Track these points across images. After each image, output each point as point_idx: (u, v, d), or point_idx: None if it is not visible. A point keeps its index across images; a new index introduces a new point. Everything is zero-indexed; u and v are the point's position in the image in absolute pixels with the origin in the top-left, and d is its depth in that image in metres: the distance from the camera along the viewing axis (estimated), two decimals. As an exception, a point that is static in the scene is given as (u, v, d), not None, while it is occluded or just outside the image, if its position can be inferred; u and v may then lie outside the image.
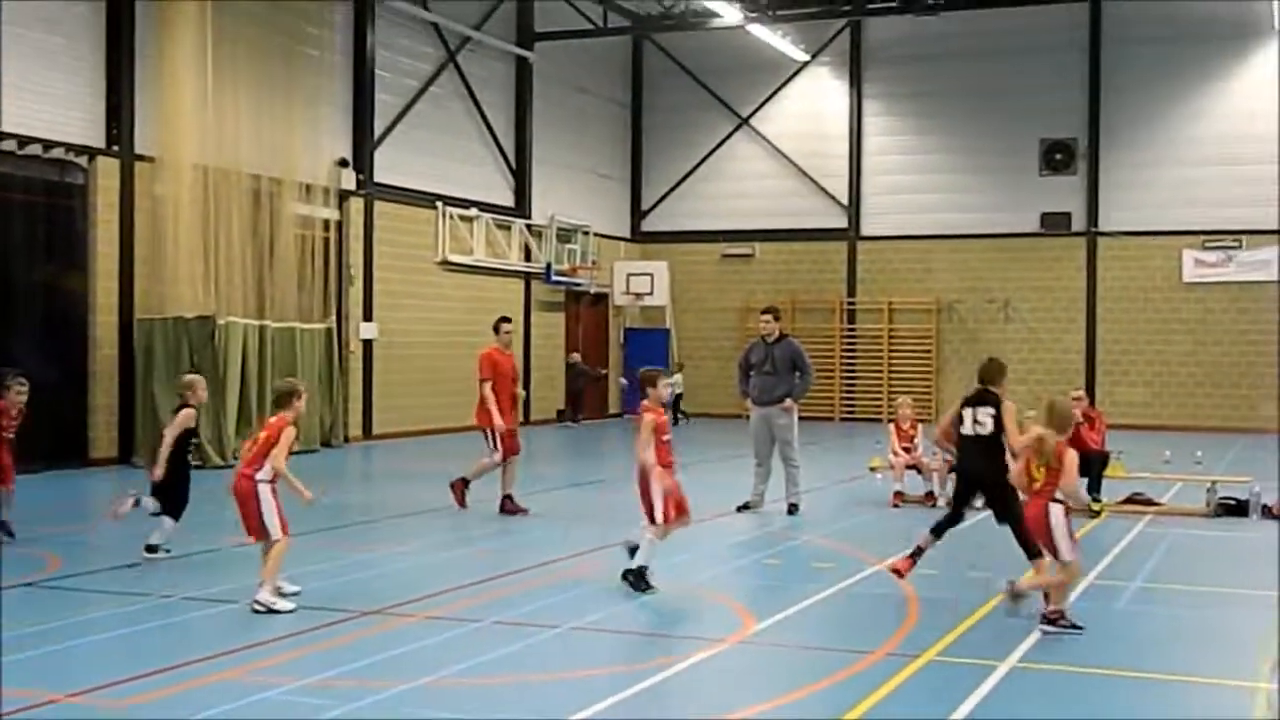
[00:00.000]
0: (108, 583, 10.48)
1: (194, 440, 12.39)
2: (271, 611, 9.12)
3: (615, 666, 7.88)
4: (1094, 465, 14.86)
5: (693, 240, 33.48)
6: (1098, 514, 14.60)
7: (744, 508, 14.88)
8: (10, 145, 18.16)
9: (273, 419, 9.93)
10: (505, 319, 15.42)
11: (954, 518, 10.48)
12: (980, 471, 10.18)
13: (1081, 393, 15.75)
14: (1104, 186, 30.18)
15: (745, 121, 33.14)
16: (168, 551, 11.46)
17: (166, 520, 11.54)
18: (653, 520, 10.10)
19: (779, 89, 32.89)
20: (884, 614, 9.54)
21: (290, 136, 22.40)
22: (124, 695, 7.15)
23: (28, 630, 8.63)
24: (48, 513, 14.97)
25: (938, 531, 10.41)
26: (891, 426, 16.68)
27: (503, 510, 14.52)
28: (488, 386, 14.72)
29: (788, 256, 32.87)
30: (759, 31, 29.43)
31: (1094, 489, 14.84)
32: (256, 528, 9.60)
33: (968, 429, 10.19)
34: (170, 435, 11.72)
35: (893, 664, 7.94)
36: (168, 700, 7.10)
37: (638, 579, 9.96)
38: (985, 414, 10.07)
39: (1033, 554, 9.70)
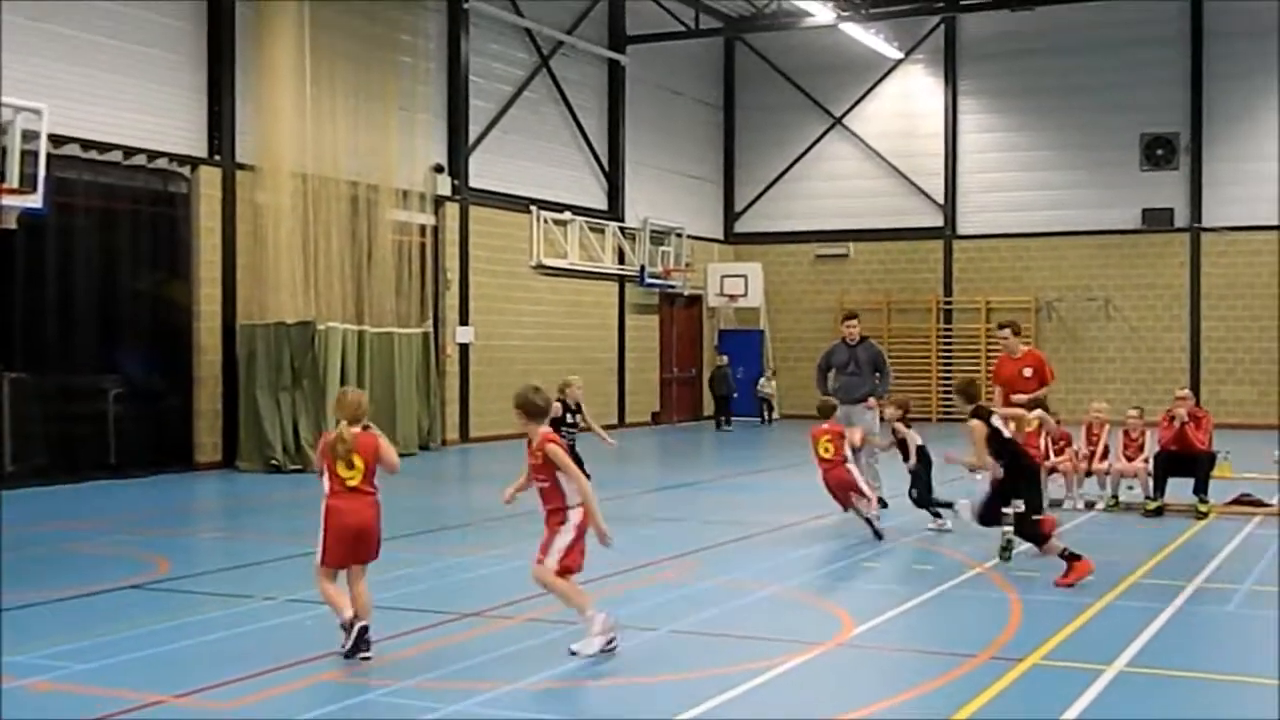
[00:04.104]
0: (215, 585, 10.66)
1: (564, 427, 14.47)
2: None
3: (714, 669, 7.85)
4: (1201, 465, 14.57)
5: (786, 241, 33.33)
6: (1205, 515, 14.27)
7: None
8: (116, 156, 18.59)
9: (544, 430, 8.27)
10: (1001, 325, 15.05)
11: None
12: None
13: (1187, 392, 15.43)
14: (1207, 181, 29.57)
15: (838, 121, 32.92)
16: None
17: None
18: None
19: (872, 88, 32.64)
20: (986, 617, 9.41)
21: (387, 143, 22.68)
22: (229, 697, 7.26)
23: (136, 631, 8.80)
24: (156, 516, 15.29)
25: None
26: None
27: None
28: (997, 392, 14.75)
29: (883, 256, 32.59)
30: (852, 30, 29.22)
31: (1201, 490, 14.54)
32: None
33: (1009, 434, 11.06)
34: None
35: (995, 668, 7.82)
36: (272, 701, 7.20)
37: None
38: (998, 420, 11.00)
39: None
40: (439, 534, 13.54)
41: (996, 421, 10.84)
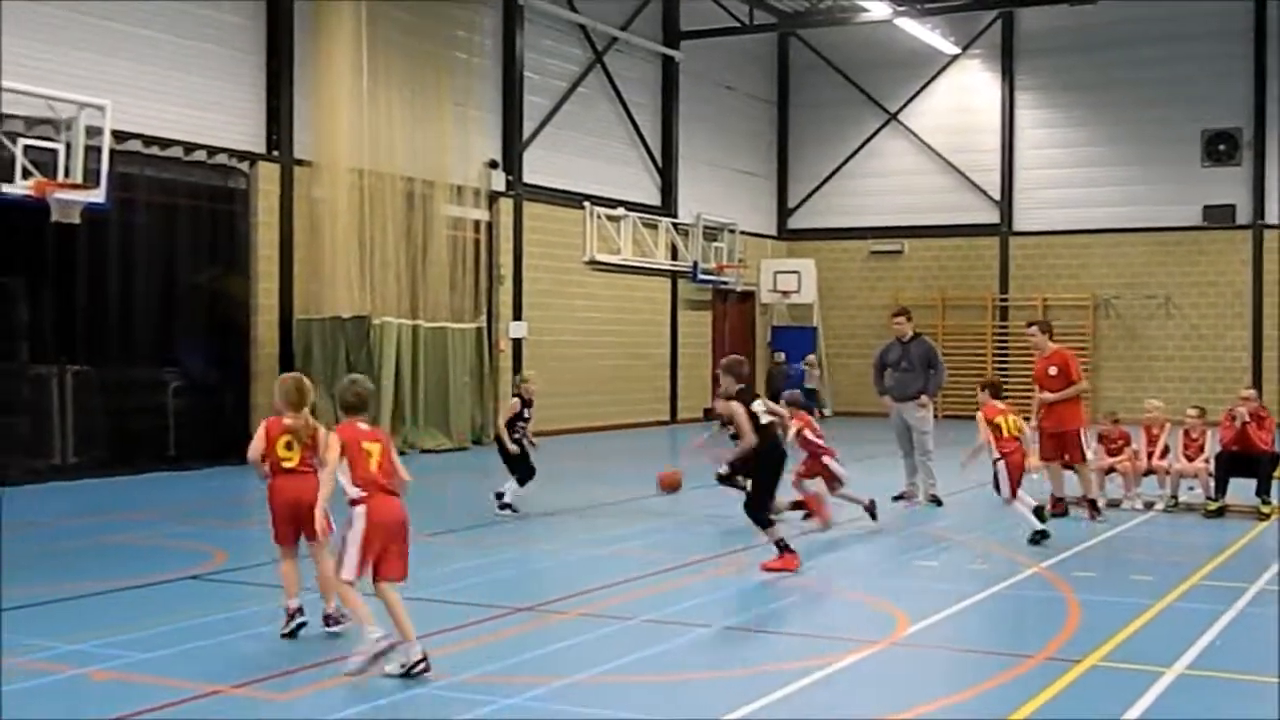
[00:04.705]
0: (270, 576, 10.72)
1: (520, 421, 14.70)
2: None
3: (767, 666, 7.82)
4: (1263, 466, 14.36)
5: (840, 237, 33.17)
6: (1267, 516, 14.07)
7: (899, 498, 15.30)
8: (177, 151, 18.78)
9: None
10: (1030, 323, 15.18)
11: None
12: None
13: (1252, 392, 15.20)
14: (1270, 177, 29.13)
15: (893, 117, 32.72)
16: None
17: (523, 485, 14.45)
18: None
19: (928, 83, 32.42)
20: (1043, 617, 9.32)
21: (442, 139, 22.77)
22: (284, 688, 7.32)
23: (193, 622, 8.89)
24: (213, 507, 15.44)
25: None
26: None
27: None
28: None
29: (937, 253, 32.38)
30: (907, 25, 29.03)
31: (1264, 490, 14.32)
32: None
33: (765, 420, 11.11)
34: (500, 420, 14.78)
35: (1053, 669, 7.74)
36: (325, 694, 7.24)
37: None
38: (761, 404, 11.23)
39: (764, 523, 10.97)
40: (490, 528, 13.57)
41: (757, 406, 11.14)
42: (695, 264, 29.74)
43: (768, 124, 33.73)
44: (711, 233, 30.45)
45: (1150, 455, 15.17)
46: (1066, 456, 14.31)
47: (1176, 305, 30.06)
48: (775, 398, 29.39)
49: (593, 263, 27.00)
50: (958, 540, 12.72)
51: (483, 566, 11.22)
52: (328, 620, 8.46)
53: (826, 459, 13.58)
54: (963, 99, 32.24)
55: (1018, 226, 31.62)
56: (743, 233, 31.57)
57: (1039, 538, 12.17)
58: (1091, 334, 30.66)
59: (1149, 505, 14.98)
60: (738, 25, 30.22)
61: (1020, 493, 12.47)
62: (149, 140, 18.28)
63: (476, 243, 24.05)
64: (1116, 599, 9.81)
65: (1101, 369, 30.58)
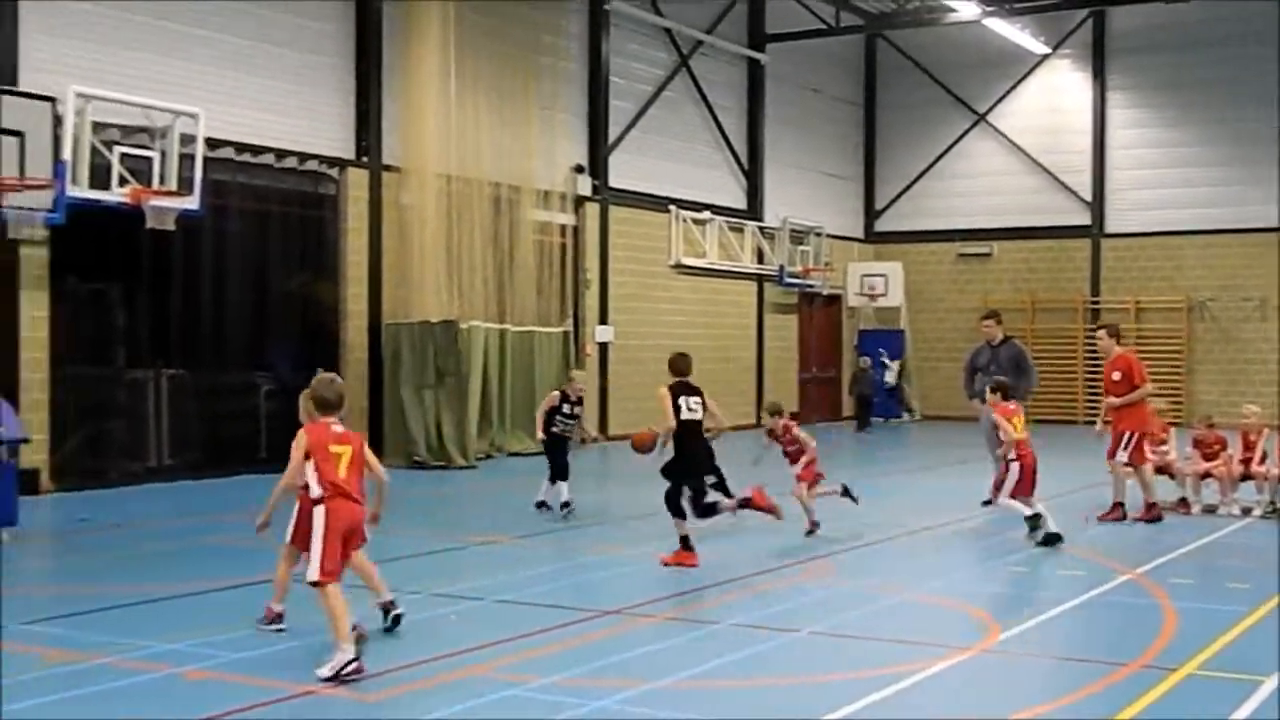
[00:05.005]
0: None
1: (559, 416, 14.73)
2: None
3: (855, 672, 7.76)
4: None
5: (928, 240, 32.88)
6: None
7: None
8: (268, 158, 19.07)
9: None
10: (1098, 326, 15.47)
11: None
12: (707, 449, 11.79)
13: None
14: (1371, 177, 28.42)
15: (982, 118, 32.36)
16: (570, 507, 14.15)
17: (559, 484, 14.36)
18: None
19: (1017, 83, 32.02)
20: (1138, 624, 9.15)
21: (528, 144, 22.90)
22: (375, 689, 7.38)
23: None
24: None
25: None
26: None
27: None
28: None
29: (1027, 255, 31.96)
30: (996, 25, 28.71)
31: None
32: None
33: (685, 415, 11.33)
34: (538, 411, 14.91)
35: (1148, 677, 7.60)
36: (417, 694, 7.30)
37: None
38: (696, 402, 11.40)
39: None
40: (575, 531, 13.61)
41: (683, 401, 11.34)
42: (781, 267, 29.64)
43: (854, 126, 33.53)
44: (798, 236, 30.33)
45: (1247, 461, 14.87)
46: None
47: (1274, 308, 29.40)
48: (861, 401, 29.51)
49: (678, 266, 27.00)
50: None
51: (568, 569, 11.25)
52: (385, 610, 8.58)
53: (803, 459, 13.40)
54: (1053, 99, 31.81)
55: (1109, 228, 31.13)
56: (829, 236, 31.39)
57: (1034, 521, 12.45)
58: (1186, 337, 30.09)
59: (1246, 511, 14.68)
60: (824, 27, 30.06)
61: (1008, 499, 12.74)
62: (241, 148, 18.58)
63: (563, 247, 24.16)
64: (1213, 606, 9.63)
65: (1196, 372, 29.99)
